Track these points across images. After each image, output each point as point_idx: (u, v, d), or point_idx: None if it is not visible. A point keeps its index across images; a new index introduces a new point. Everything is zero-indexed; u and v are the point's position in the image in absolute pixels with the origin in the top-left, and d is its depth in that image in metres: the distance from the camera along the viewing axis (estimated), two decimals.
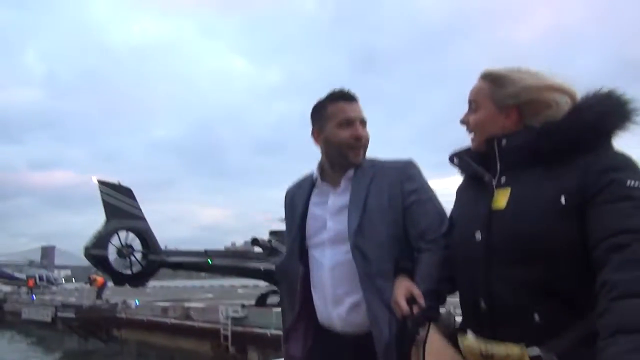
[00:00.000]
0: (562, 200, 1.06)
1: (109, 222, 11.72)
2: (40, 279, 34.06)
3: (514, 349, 1.04)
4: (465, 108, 1.32)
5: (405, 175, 1.51)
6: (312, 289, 1.55)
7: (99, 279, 18.39)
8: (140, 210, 12.29)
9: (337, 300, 1.48)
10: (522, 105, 1.21)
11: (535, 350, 1.03)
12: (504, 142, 1.20)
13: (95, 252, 11.32)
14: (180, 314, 12.26)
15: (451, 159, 1.37)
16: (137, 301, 14.83)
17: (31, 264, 42.29)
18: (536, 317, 1.05)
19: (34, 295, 23.67)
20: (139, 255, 12.30)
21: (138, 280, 12.61)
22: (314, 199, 1.60)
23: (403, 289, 1.32)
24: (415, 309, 1.26)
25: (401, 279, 1.37)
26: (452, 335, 1.21)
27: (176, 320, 12.04)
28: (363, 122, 1.54)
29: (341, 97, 1.55)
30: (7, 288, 34.27)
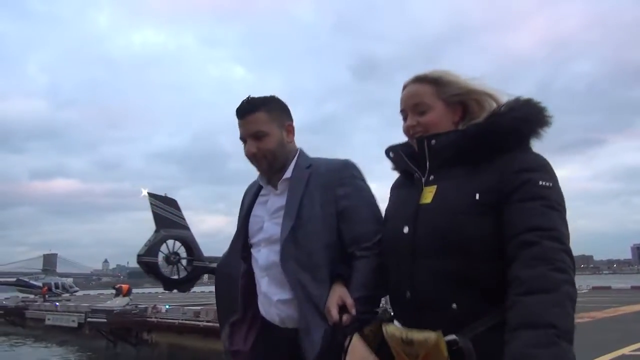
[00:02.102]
0: (477, 196, 1.13)
1: (158, 232, 12.36)
2: (56, 286, 34.62)
3: (431, 335, 1.09)
4: None
5: (339, 179, 1.51)
6: (256, 285, 1.58)
7: (124, 286, 19.09)
8: (184, 219, 12.97)
9: (272, 297, 1.50)
10: (466, 104, 1.29)
11: (452, 336, 1.08)
12: (433, 142, 1.27)
13: (147, 259, 11.93)
14: (213, 317, 12.65)
15: (387, 153, 1.42)
16: (167, 305, 15.32)
17: (46, 272, 42.97)
18: (454, 306, 1.11)
19: (57, 303, 24.12)
20: (184, 262, 13.11)
21: (185, 285, 13.43)
22: (259, 199, 1.64)
23: (336, 296, 1.36)
24: (346, 318, 1.30)
25: (336, 286, 1.40)
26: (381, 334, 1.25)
27: (209, 322, 12.49)
28: (255, 136, 1.53)
29: (236, 114, 1.56)
30: (26, 295, 34.65)
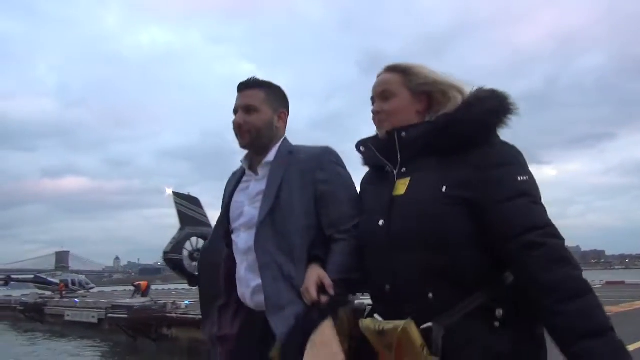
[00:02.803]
0: (450, 188, 1.15)
1: (183, 229, 12.61)
2: (73, 283, 35.28)
3: (399, 323, 1.11)
4: None
5: (318, 164, 1.53)
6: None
7: (143, 283, 19.63)
8: (207, 217, 13.19)
9: (247, 281, 1.52)
10: (431, 95, 1.31)
11: (428, 324, 1.11)
12: (403, 134, 1.28)
13: (173, 256, 12.18)
14: None
15: (357, 147, 1.42)
16: (186, 301, 15.65)
17: (63, 269, 43.83)
18: (430, 296, 1.14)
19: (76, 299, 24.64)
20: None
21: None
22: (240, 185, 1.65)
23: (314, 277, 1.37)
24: (324, 298, 1.31)
25: (313, 267, 1.42)
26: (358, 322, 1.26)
27: None
28: (246, 109, 1.57)
29: (237, 88, 1.62)
30: (42, 292, 35.32)
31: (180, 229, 12.56)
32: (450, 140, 1.20)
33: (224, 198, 1.71)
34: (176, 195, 12.92)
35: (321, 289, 1.33)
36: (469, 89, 1.29)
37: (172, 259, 12.17)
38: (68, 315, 20.52)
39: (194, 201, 13.19)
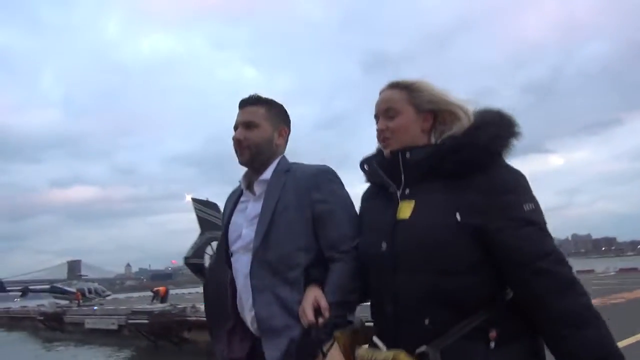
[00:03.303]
0: (457, 216, 1.15)
1: (203, 234, 12.92)
2: (89, 291, 35.74)
3: (389, 354, 1.14)
4: None
5: (314, 184, 1.50)
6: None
7: (162, 288, 19.94)
8: None
9: (249, 307, 1.48)
10: (437, 113, 1.30)
11: (422, 348, 1.12)
12: (407, 155, 1.26)
13: (194, 260, 12.51)
14: None
15: (362, 166, 1.41)
16: None
17: (79, 278, 44.44)
18: (426, 321, 1.14)
19: (95, 307, 25.04)
20: None
21: None
22: (238, 206, 1.62)
23: (311, 298, 1.34)
24: (321, 320, 1.29)
25: (310, 288, 1.39)
26: (360, 341, 1.27)
27: None
28: (247, 125, 1.56)
29: (238, 105, 1.62)
30: (57, 301, 35.78)
31: (201, 234, 12.87)
32: (456, 165, 1.19)
33: (222, 218, 1.69)
34: (195, 201, 13.25)
35: (318, 311, 1.32)
36: (471, 107, 1.29)
37: (194, 263, 12.47)
38: (88, 323, 20.87)
39: (213, 206, 13.49)
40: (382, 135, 1.33)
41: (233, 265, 1.56)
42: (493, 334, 1.12)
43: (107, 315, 20.41)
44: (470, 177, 1.17)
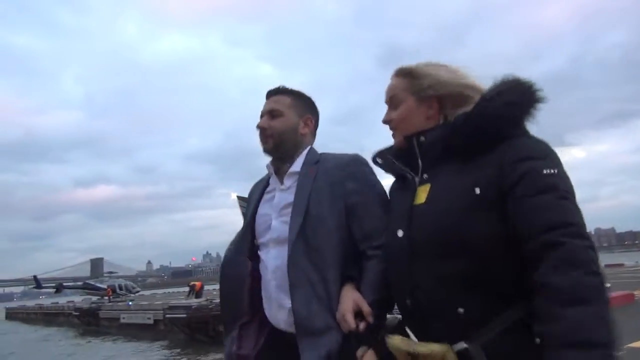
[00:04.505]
0: (477, 191, 1.05)
1: None
2: (120, 288, 36.88)
3: (435, 347, 1.03)
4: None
5: (348, 174, 1.45)
6: (262, 288, 1.51)
7: (197, 283, 20.53)
8: None
9: (279, 302, 1.42)
10: (441, 98, 1.22)
11: (461, 345, 1.01)
12: (422, 138, 1.20)
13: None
14: None
15: (374, 160, 1.35)
16: None
17: (110, 274, 45.96)
18: (460, 310, 1.03)
19: (129, 302, 25.89)
20: None
21: None
22: (265, 196, 1.59)
23: (350, 302, 1.28)
24: (362, 325, 1.23)
25: (348, 290, 1.33)
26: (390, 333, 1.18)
27: None
28: (271, 113, 1.56)
29: (265, 95, 1.62)
30: (89, 297, 36.96)
31: None
32: (469, 141, 1.11)
33: (247, 209, 1.65)
34: (240, 198, 13.66)
35: (358, 314, 1.27)
36: (487, 84, 1.17)
37: None
38: (123, 318, 21.53)
39: None
40: (389, 126, 1.31)
41: (261, 258, 1.51)
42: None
43: (143, 310, 21.01)
44: (488, 152, 1.08)
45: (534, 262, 0.97)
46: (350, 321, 1.26)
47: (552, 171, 1.02)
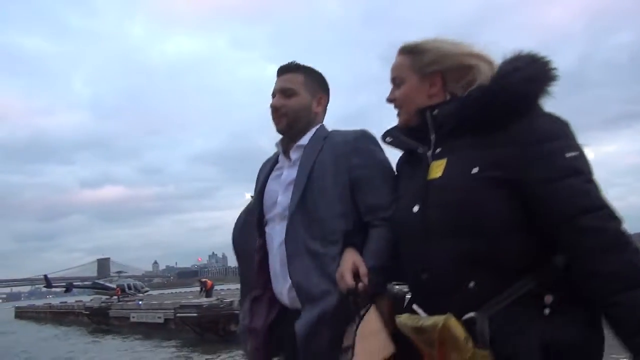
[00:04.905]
0: (492, 169, 1.05)
1: None
2: (129, 287, 37.18)
3: (439, 319, 1.03)
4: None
5: (353, 148, 1.45)
6: (269, 263, 1.52)
7: (209, 281, 20.71)
8: None
9: (283, 276, 1.43)
10: (445, 72, 1.20)
11: (470, 314, 1.03)
12: (435, 112, 1.18)
13: None
14: None
15: (384, 138, 1.35)
16: None
17: (120, 274, 46.41)
18: (471, 285, 1.05)
19: (139, 302, 26.09)
20: None
21: None
22: (273, 173, 1.59)
23: (350, 263, 1.29)
24: (361, 285, 1.23)
25: (348, 252, 1.34)
26: (400, 310, 1.19)
27: None
28: (284, 92, 1.53)
29: (277, 71, 1.58)
30: (98, 297, 37.26)
31: None
32: (485, 115, 1.09)
33: (256, 185, 1.66)
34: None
35: (357, 276, 1.26)
36: (495, 56, 1.18)
37: None
38: (133, 317, 21.66)
39: None
40: (393, 105, 1.29)
41: (267, 233, 1.53)
42: (549, 298, 1.03)
43: (153, 310, 21.13)
44: (505, 128, 1.07)
45: (570, 247, 1.01)
46: (349, 279, 1.25)
47: (575, 153, 1.04)
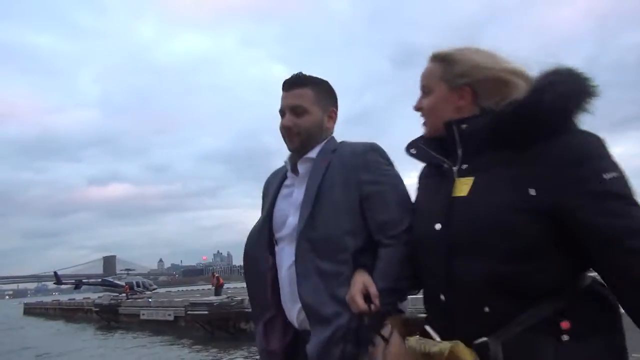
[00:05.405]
0: (531, 192, 1.01)
1: None
2: (137, 285, 37.52)
3: (445, 346, 1.01)
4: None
5: (362, 163, 1.42)
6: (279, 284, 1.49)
7: (220, 279, 20.91)
8: None
9: (293, 298, 1.41)
10: (475, 85, 1.15)
11: (483, 339, 1.00)
12: (464, 126, 1.13)
13: None
14: None
15: (407, 150, 1.30)
16: None
17: (128, 272, 46.87)
18: (486, 309, 1.02)
19: (150, 299, 26.35)
20: None
21: None
22: (282, 190, 1.56)
23: (360, 284, 1.28)
24: (373, 307, 1.22)
25: (358, 274, 1.32)
26: (412, 332, 1.16)
27: None
28: (294, 110, 1.49)
29: (282, 86, 1.52)
30: (108, 294, 37.57)
31: None
32: (517, 131, 1.05)
33: (264, 202, 1.62)
34: None
35: (367, 298, 1.25)
36: (531, 72, 1.12)
37: None
38: (143, 314, 21.88)
39: None
40: (419, 112, 1.25)
41: (277, 254, 1.50)
42: (566, 324, 0.99)
43: (163, 307, 21.31)
44: (538, 147, 1.03)
45: (616, 269, 0.96)
46: (360, 302, 1.24)
47: (614, 175, 0.99)
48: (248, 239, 1.57)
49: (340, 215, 1.39)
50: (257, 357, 1.60)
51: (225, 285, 28.77)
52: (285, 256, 1.46)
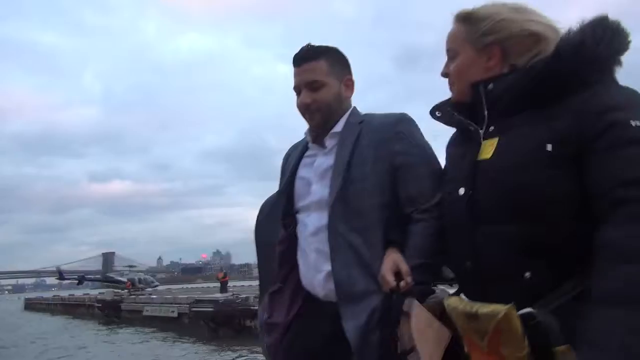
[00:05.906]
0: (550, 147, 0.94)
1: None
2: (139, 281, 37.56)
3: (499, 307, 0.93)
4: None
5: (394, 134, 1.38)
6: (298, 253, 1.47)
7: (227, 275, 21.01)
8: None
9: (317, 266, 1.38)
10: (504, 43, 1.08)
11: (527, 310, 0.92)
12: (490, 86, 1.07)
13: None
14: None
15: (432, 113, 1.24)
16: None
17: (131, 268, 47.00)
18: (527, 275, 0.95)
19: (153, 295, 26.40)
20: None
21: None
22: (304, 160, 1.52)
23: (390, 262, 1.24)
24: (403, 285, 1.19)
25: (390, 252, 1.29)
26: (443, 310, 1.12)
27: None
28: (310, 85, 1.43)
29: (293, 61, 1.46)
30: (110, 290, 37.68)
31: None
32: (548, 86, 0.97)
33: (283, 174, 1.59)
34: None
35: (399, 276, 1.22)
36: (559, 27, 1.06)
37: None
38: (146, 311, 21.77)
39: None
40: (448, 80, 1.20)
41: (300, 222, 1.47)
42: None
43: (167, 304, 21.21)
44: (568, 99, 0.96)
45: (603, 219, 0.88)
46: (391, 280, 1.21)
47: None
48: (260, 211, 1.55)
49: (372, 188, 1.36)
50: (262, 356, 1.53)
51: (231, 283, 28.86)
52: (312, 222, 1.43)
